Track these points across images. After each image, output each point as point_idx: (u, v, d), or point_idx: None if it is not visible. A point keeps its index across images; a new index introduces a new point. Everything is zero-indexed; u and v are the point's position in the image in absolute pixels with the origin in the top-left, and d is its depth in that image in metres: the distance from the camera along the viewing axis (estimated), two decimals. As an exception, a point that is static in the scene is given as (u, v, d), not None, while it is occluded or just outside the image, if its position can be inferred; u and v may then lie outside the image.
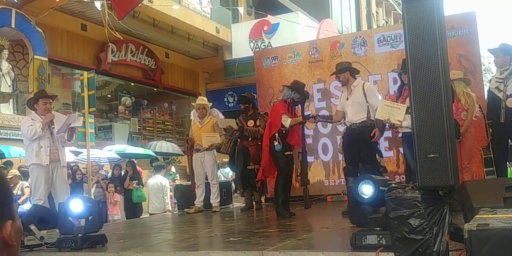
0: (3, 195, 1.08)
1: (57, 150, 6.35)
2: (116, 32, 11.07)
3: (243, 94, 8.20)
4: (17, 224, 1.14)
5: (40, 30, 12.25)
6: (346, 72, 6.10)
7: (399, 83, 6.56)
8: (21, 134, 6.84)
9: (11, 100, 12.50)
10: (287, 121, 6.34)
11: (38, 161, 6.15)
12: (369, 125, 5.90)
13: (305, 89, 6.85)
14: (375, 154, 6.08)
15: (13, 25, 11.92)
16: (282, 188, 6.37)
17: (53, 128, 6.30)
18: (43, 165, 6.15)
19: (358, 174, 5.73)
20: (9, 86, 12.35)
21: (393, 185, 2.55)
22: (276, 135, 6.34)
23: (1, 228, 1.09)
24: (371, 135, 5.83)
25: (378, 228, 3.25)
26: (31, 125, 6.15)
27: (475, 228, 2.22)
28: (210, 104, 7.96)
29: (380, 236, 3.17)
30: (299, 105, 6.65)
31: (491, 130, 6.21)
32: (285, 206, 6.35)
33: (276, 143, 6.33)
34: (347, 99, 6.08)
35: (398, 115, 5.51)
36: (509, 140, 6.40)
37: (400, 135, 6.49)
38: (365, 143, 5.88)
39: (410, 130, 5.21)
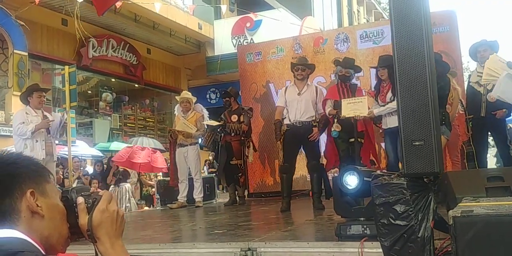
0: (18, 167, 1.16)
1: (51, 143, 6.40)
2: (94, 29, 10.95)
3: (226, 89, 8.19)
4: (50, 201, 1.19)
5: (23, 23, 12.04)
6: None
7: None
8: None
9: (-10, 95, 12.34)
10: (328, 109, 6.11)
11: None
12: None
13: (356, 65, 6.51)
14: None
15: (-9, 19, 11.75)
16: None
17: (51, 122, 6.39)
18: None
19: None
20: (-12, 81, 12.19)
21: (378, 173, 2.60)
22: (336, 120, 5.94)
23: (21, 197, 1.14)
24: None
25: (362, 219, 3.30)
26: (23, 123, 6.14)
27: (459, 214, 2.26)
28: (194, 99, 7.94)
29: (365, 226, 3.22)
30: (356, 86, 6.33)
31: (471, 124, 6.31)
32: None
33: (332, 128, 5.99)
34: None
35: (362, 108, 5.71)
36: (489, 134, 6.51)
37: (381, 131, 6.56)
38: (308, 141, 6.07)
39: (393, 126, 5.35)
